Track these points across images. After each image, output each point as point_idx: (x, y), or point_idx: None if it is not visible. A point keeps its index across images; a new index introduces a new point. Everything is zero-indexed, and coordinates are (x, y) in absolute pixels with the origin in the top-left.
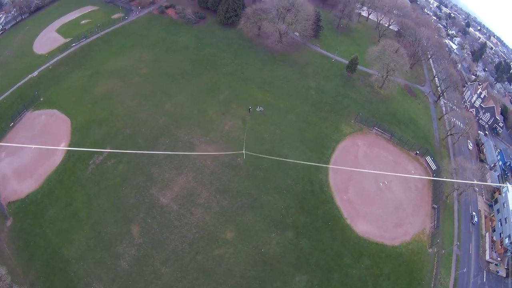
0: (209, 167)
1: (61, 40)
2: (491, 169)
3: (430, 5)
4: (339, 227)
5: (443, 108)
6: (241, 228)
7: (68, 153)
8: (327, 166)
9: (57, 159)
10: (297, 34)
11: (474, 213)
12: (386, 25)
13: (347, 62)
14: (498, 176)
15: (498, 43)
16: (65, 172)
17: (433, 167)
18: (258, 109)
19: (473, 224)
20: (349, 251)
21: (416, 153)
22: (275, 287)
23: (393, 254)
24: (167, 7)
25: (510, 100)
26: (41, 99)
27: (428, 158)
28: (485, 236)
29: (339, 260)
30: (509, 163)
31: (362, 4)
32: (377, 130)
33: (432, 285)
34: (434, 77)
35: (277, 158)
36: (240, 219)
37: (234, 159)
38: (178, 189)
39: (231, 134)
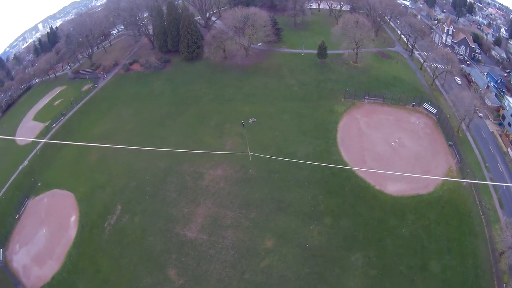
0: (224, 189)
1: (40, 126)
2: (487, 88)
3: None
4: (371, 196)
5: (420, 59)
6: (278, 232)
7: (82, 224)
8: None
9: (72, 233)
10: (260, 44)
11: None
12: (338, 8)
13: (315, 52)
14: (495, 95)
15: None
16: (83, 242)
17: (433, 111)
18: (250, 121)
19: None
20: (391, 214)
21: (413, 105)
22: (334, 275)
23: (432, 200)
24: (131, 64)
25: (477, 28)
26: (39, 184)
27: (426, 105)
28: (508, 151)
29: (385, 226)
30: (500, 80)
31: None
32: (368, 99)
33: (481, 212)
34: (400, 35)
35: (281, 159)
36: (273, 224)
37: (246, 173)
38: (202, 219)
39: (234, 151)
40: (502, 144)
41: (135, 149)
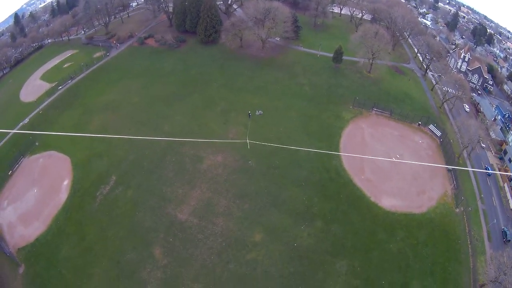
0: (221, 176)
1: (46, 86)
2: (494, 120)
3: None
4: (365, 206)
5: (432, 80)
6: (269, 228)
7: (74, 189)
8: (338, 153)
9: (63, 197)
10: (277, 39)
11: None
12: (360, 16)
13: (331, 55)
14: (500, 129)
15: (470, 11)
16: (72, 208)
17: (438, 133)
18: (257, 112)
19: (488, 175)
20: (381, 227)
21: (419, 124)
22: (317, 279)
23: (424, 221)
24: (146, 38)
25: (494, 59)
26: (36, 143)
27: (431, 126)
28: (504, 186)
29: (374, 238)
30: (507, 114)
31: (333, 2)
32: (376, 110)
33: (469, 241)
34: (417, 53)
35: (281, 146)
36: (265, 219)
37: (245, 163)
38: (195, 202)
39: (237, 140)
40: (500, 178)
41: (137, 123)
